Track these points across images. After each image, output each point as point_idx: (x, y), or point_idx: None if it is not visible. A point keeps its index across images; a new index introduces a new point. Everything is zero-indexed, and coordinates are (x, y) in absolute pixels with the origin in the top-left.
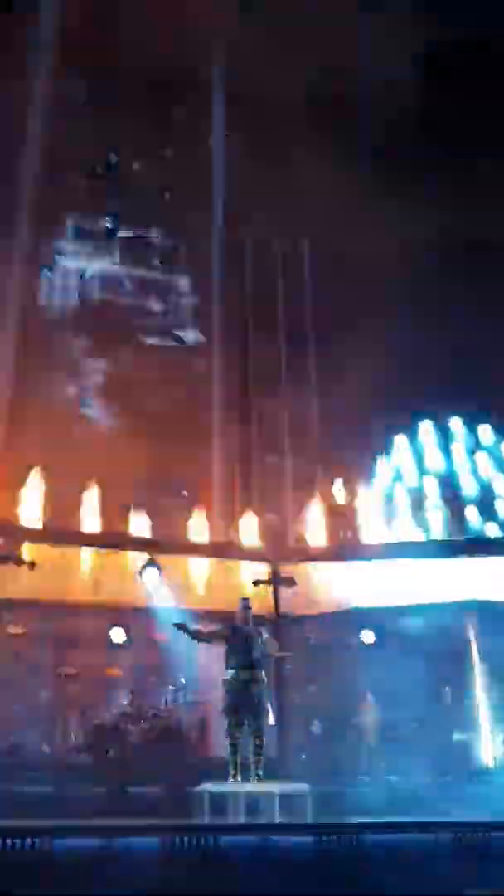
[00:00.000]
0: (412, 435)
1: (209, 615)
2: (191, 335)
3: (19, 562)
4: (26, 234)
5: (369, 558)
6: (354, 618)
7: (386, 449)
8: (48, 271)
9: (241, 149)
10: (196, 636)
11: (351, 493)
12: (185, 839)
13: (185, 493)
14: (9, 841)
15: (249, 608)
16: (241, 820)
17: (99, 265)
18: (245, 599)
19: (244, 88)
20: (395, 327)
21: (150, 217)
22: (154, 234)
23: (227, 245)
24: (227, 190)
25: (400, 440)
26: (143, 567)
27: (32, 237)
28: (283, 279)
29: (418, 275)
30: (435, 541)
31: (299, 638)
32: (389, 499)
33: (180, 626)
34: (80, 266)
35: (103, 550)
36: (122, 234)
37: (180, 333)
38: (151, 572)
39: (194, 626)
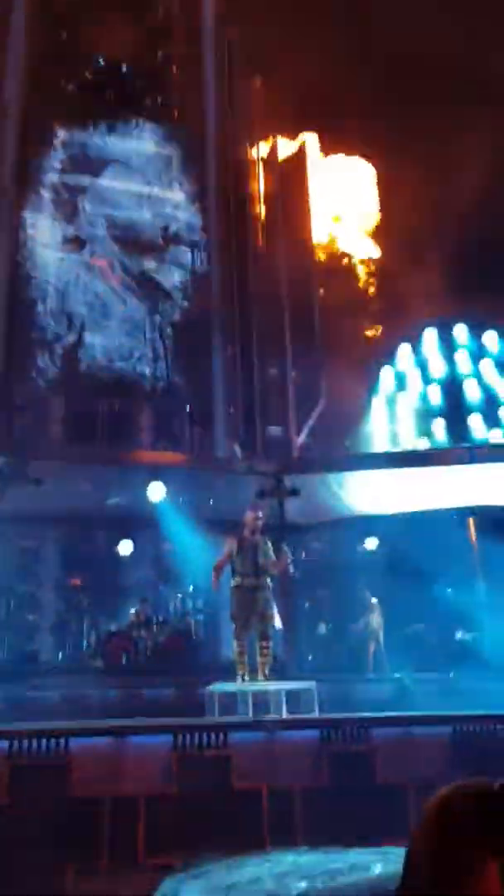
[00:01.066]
0: (416, 344)
1: (217, 525)
2: None
3: (26, 479)
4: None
5: (372, 467)
6: (358, 525)
7: (390, 358)
8: None
9: None
10: (219, 569)
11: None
12: (196, 735)
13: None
14: (26, 742)
15: (260, 518)
16: (250, 717)
17: None
18: (256, 507)
19: None
20: None
21: None
22: None
23: None
24: None
25: (404, 349)
26: (150, 481)
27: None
28: None
29: None
30: (435, 448)
31: (305, 546)
32: (393, 407)
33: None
34: None
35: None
36: None
37: None
38: (157, 486)
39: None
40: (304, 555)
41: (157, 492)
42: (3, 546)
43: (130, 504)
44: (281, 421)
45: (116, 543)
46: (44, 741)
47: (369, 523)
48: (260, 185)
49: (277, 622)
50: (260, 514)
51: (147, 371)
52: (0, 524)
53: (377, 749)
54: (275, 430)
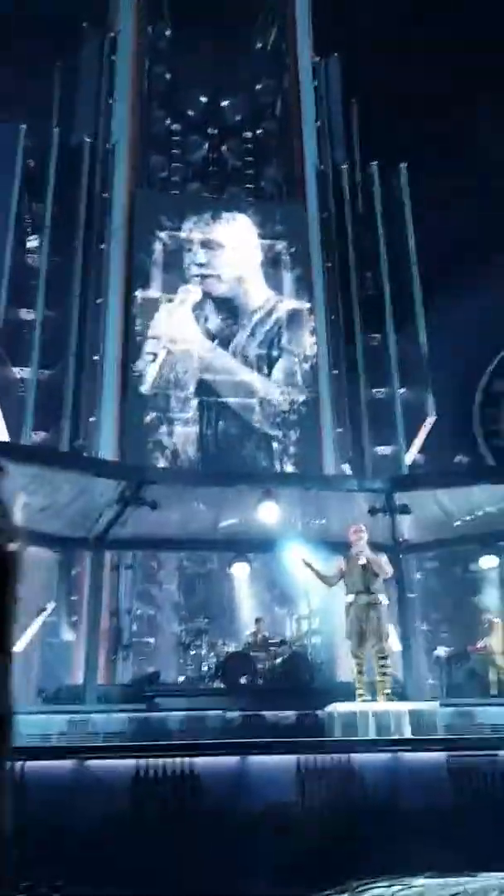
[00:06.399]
0: None
1: (330, 545)
2: None
3: (141, 502)
4: None
5: (488, 481)
6: (474, 542)
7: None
8: None
9: None
10: (319, 577)
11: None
12: (319, 755)
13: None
14: (152, 759)
15: (359, 533)
16: (372, 737)
17: None
18: (356, 526)
19: None
20: None
21: None
22: None
23: None
24: None
25: None
26: (260, 501)
27: None
28: None
29: None
30: None
31: (420, 565)
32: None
33: (308, 565)
34: None
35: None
36: None
37: None
38: (269, 507)
39: (318, 569)
40: (418, 575)
41: (269, 513)
42: (126, 570)
43: (244, 525)
44: (390, 439)
45: (231, 565)
46: (169, 760)
47: (485, 540)
48: (358, 207)
49: (395, 643)
50: (359, 528)
51: (256, 404)
52: (121, 548)
53: None
54: (383, 449)
